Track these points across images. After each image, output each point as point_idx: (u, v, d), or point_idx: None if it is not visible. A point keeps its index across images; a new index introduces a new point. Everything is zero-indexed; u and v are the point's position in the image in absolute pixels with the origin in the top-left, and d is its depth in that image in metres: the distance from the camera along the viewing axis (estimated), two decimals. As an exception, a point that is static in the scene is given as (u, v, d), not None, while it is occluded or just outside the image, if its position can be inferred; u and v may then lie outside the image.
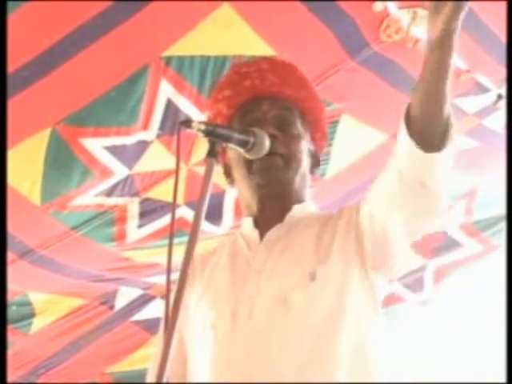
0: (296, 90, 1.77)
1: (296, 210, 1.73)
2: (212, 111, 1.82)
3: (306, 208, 1.76)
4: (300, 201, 1.75)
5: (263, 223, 1.72)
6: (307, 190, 1.78)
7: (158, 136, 2.99)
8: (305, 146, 1.76)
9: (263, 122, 1.71)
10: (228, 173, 1.81)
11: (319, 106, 1.84)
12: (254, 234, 1.72)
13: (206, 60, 2.81)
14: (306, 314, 1.58)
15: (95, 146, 2.95)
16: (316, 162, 1.82)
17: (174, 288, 1.39)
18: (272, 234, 1.70)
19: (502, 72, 3.14)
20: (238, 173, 1.74)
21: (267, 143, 1.60)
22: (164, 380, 1.32)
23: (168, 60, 2.77)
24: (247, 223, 1.75)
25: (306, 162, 1.76)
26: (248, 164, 1.70)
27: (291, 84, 1.77)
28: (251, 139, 1.57)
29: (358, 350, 1.58)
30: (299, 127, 1.76)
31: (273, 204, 1.72)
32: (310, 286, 1.59)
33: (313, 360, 1.55)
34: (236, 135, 1.55)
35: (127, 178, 3.11)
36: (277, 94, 1.75)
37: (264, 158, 1.63)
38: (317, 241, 1.66)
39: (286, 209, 1.73)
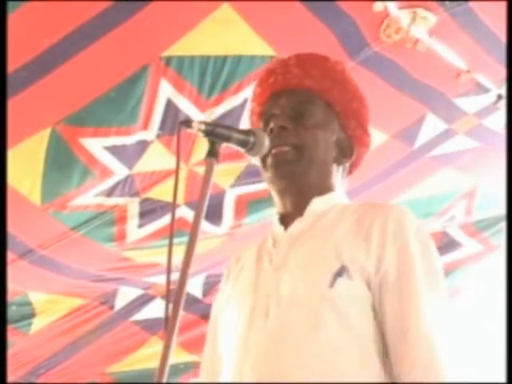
0: (318, 81, 1.74)
1: (316, 203, 1.69)
2: (250, 109, 1.83)
3: (330, 200, 1.71)
4: (322, 193, 1.71)
5: (288, 219, 1.70)
6: (333, 181, 1.74)
7: (158, 136, 2.99)
8: (326, 136, 1.72)
9: (278, 116, 1.70)
10: None
11: (349, 96, 1.77)
12: (280, 230, 1.70)
13: (205, 60, 2.81)
14: (322, 315, 1.53)
15: (95, 146, 2.94)
16: (347, 152, 1.76)
17: (174, 288, 1.38)
18: (293, 229, 1.67)
19: (502, 72, 3.14)
20: (261, 171, 1.74)
21: (267, 143, 1.59)
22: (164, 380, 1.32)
23: (168, 60, 2.77)
24: (274, 221, 1.73)
25: (328, 152, 1.72)
26: (262, 160, 1.70)
27: (314, 75, 1.74)
28: (251, 139, 1.56)
29: (371, 348, 1.55)
30: (319, 117, 1.72)
31: (290, 199, 1.70)
32: (327, 286, 1.54)
33: (331, 364, 1.51)
34: (236, 135, 1.54)
35: (127, 178, 3.11)
36: (297, 85, 1.74)
37: (274, 152, 1.63)
38: (341, 237, 1.61)
39: (307, 202, 1.69)
